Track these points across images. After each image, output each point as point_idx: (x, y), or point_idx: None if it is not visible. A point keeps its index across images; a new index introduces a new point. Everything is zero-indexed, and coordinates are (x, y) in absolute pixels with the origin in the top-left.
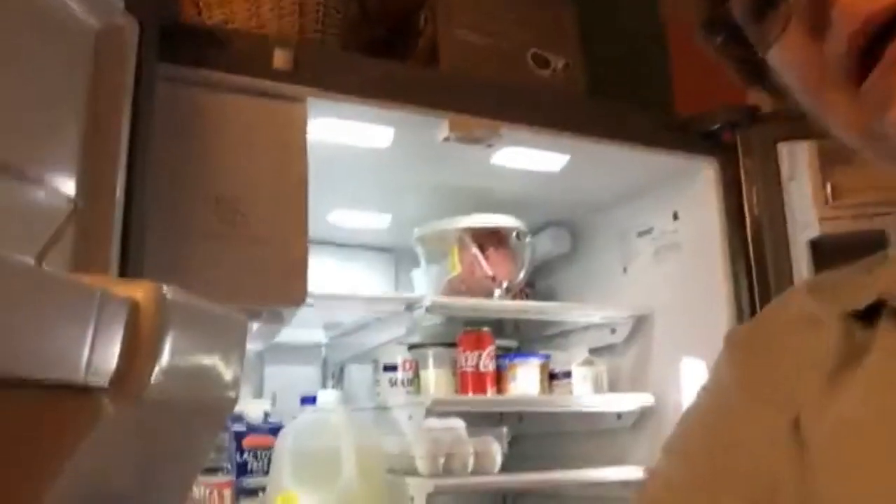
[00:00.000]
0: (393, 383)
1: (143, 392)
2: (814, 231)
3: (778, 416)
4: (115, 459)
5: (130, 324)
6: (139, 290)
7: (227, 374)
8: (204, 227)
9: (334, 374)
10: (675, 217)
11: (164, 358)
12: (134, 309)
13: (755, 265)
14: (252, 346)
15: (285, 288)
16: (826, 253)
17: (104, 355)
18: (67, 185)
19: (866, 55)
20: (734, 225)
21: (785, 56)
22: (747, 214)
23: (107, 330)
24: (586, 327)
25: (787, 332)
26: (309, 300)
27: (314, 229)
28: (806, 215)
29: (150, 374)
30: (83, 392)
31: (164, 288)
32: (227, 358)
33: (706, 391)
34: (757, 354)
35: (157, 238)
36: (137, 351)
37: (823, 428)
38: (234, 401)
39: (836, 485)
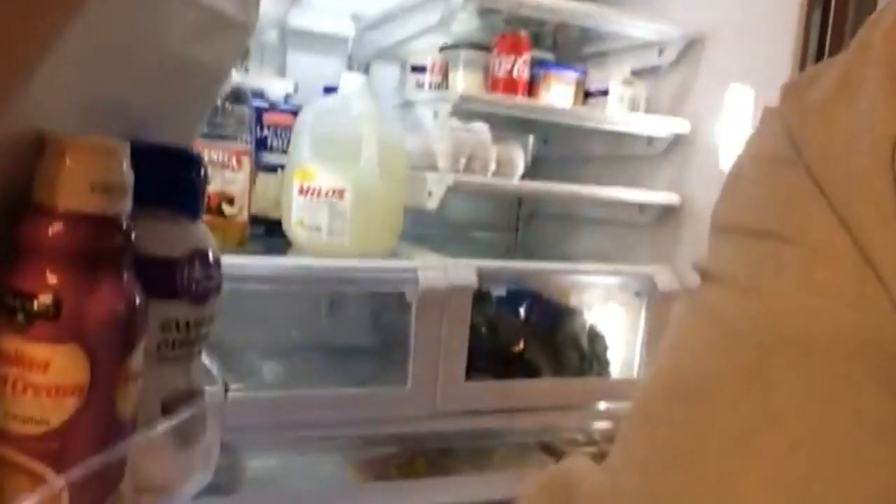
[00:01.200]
0: (420, 85)
1: None
2: None
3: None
4: (124, 54)
5: None
6: None
7: None
8: None
9: (360, 72)
10: None
11: None
12: None
13: None
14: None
15: None
16: None
17: None
18: None
19: None
20: None
21: None
22: None
23: None
24: (630, 47)
25: (882, 43)
26: None
27: None
28: None
29: None
30: None
31: None
32: None
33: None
34: (841, 112)
35: None
36: None
37: None
38: (250, 26)
39: None
